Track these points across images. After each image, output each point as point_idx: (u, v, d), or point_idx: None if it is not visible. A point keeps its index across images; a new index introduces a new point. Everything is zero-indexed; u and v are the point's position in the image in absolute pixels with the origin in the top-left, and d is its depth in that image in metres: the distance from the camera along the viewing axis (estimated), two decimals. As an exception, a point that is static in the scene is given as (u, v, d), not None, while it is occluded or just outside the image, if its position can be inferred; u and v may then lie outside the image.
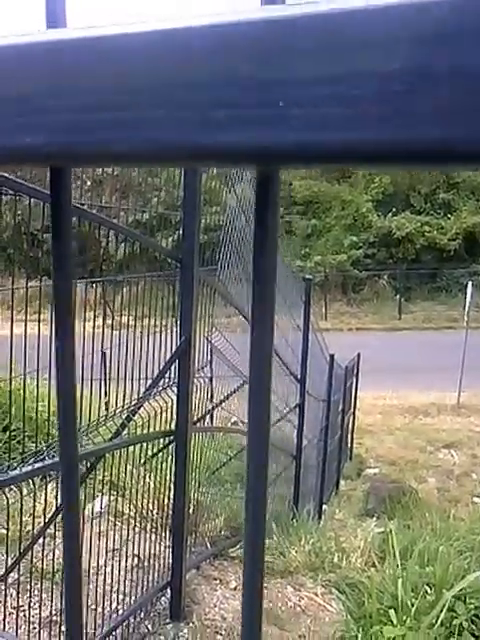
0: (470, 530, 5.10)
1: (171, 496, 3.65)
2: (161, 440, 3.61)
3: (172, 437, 3.46)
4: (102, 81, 0.26)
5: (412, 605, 2.83)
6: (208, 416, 4.62)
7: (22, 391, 2.94)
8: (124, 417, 3.20)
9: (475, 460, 11.45)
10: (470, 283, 15.53)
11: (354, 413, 12.65)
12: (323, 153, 0.25)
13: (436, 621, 2.66)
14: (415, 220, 25.90)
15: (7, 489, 2.76)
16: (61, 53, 0.27)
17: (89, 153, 0.28)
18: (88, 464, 3.27)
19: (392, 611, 2.81)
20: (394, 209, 26.14)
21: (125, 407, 3.21)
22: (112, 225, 3.09)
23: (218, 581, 3.96)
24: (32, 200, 2.43)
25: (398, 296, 25.01)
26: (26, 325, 2.46)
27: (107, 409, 3.30)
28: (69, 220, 0.35)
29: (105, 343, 3.31)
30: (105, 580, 3.31)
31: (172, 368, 3.33)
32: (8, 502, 2.68)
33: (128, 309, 3.49)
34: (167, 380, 3.35)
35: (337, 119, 0.24)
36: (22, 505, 3.05)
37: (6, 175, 2.30)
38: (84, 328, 2.88)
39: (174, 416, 3.44)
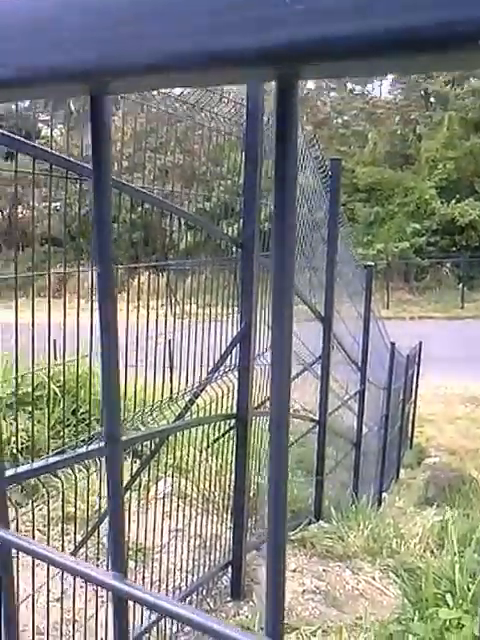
0: None
1: (233, 479, 3.74)
2: (223, 424, 3.69)
3: (234, 421, 3.55)
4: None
5: (469, 590, 2.86)
6: (268, 401, 4.69)
7: (90, 375, 3.05)
8: (187, 400, 3.30)
9: None
10: None
11: (415, 402, 12.54)
12: (336, 48, 0.24)
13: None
14: (479, 207, 25.35)
15: (76, 468, 2.88)
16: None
17: (121, 70, 0.28)
18: (152, 445, 3.38)
19: (449, 595, 2.85)
20: (458, 196, 25.62)
21: (188, 391, 3.30)
22: (176, 210, 3.16)
23: (278, 562, 4.04)
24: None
25: (461, 284, 24.57)
26: (92, 311, 2.54)
27: (171, 394, 3.39)
28: (108, 154, 0.34)
29: (170, 330, 3.40)
30: (168, 558, 3.41)
31: (234, 353, 3.41)
32: (76, 480, 2.78)
33: (191, 297, 3.57)
34: (229, 365, 3.43)
35: (345, 11, 0.23)
36: (89, 483, 3.19)
37: (85, 164, 2.39)
38: (147, 316, 2.95)
39: (236, 400, 3.52)
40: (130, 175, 3.18)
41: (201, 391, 3.30)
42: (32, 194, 2.44)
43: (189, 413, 3.32)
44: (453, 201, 25.46)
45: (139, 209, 3.41)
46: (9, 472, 2.19)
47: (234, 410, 3.54)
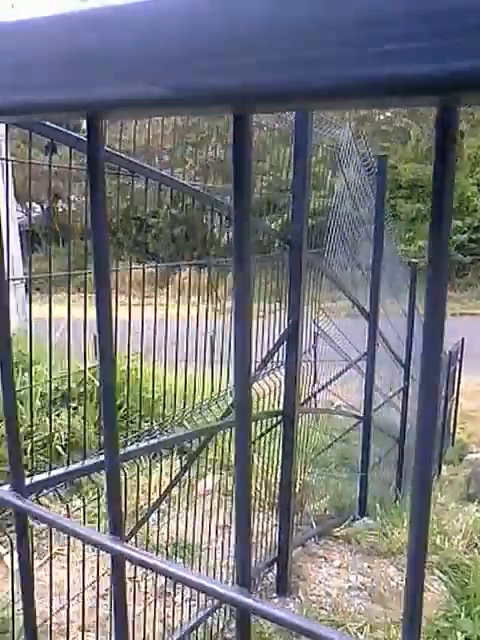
0: None
1: (278, 476, 3.75)
2: (268, 421, 3.71)
3: (280, 417, 3.56)
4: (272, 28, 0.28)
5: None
6: (312, 398, 4.70)
7: (136, 372, 3.07)
8: (233, 398, 3.31)
9: None
10: None
11: (457, 398, 12.40)
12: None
13: None
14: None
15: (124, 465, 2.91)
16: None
17: (269, 94, 0.29)
18: (199, 442, 3.40)
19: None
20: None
21: (233, 388, 3.31)
22: (221, 205, 3.15)
23: (323, 559, 4.05)
24: (140, 183, 2.48)
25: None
26: (130, 308, 2.53)
27: (211, 391, 3.40)
28: (249, 169, 0.34)
29: (211, 327, 3.39)
30: (215, 555, 3.44)
31: (280, 350, 3.42)
32: (126, 476, 2.81)
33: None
34: (275, 362, 3.44)
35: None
36: (139, 480, 3.22)
37: (124, 156, 2.39)
38: (188, 312, 2.96)
39: (281, 397, 3.54)
40: (171, 171, 3.18)
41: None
42: (68, 187, 2.39)
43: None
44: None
45: (180, 205, 3.40)
46: (59, 471, 2.21)
47: (280, 407, 3.55)
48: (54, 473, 2.14)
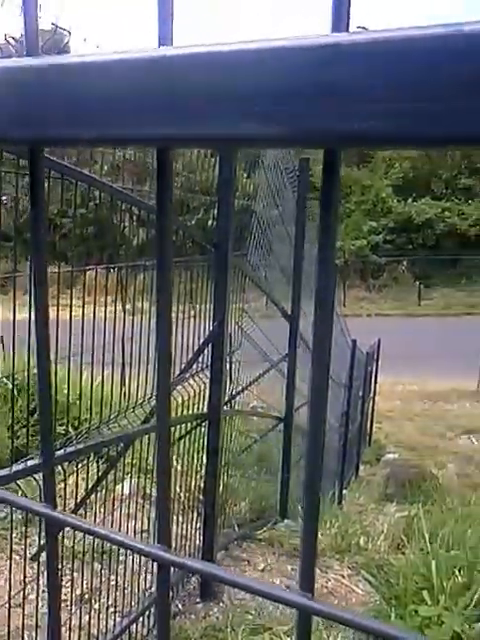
0: (493, 515, 5.13)
1: (199, 479, 3.70)
2: (191, 424, 3.65)
3: (202, 420, 3.51)
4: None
5: (444, 586, 2.87)
6: (232, 400, 4.67)
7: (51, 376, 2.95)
8: (152, 403, 3.23)
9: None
10: (491, 269, 15.45)
11: (374, 399, 12.66)
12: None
13: (471, 602, 2.70)
14: (435, 206, 25.74)
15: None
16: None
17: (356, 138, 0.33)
18: (118, 448, 3.31)
19: (425, 592, 2.85)
20: (414, 194, 25.99)
21: (152, 394, 3.23)
22: (146, 206, 3.08)
23: (247, 562, 4.02)
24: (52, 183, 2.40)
25: (417, 282, 24.91)
26: (31, 310, 2.44)
27: (129, 396, 3.30)
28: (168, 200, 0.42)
29: (124, 329, 3.28)
30: (135, 560, 3.36)
31: (205, 352, 3.36)
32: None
33: (143, 295, 3.49)
34: (200, 364, 3.38)
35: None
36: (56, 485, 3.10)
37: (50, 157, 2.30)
38: (95, 313, 2.87)
39: (204, 400, 3.48)
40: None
41: (171, 391, 3.24)
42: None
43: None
44: (409, 200, 25.81)
45: (89, 204, 3.31)
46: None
47: (201, 410, 3.50)
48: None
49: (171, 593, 3.55)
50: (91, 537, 3.52)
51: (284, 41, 0.34)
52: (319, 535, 4.36)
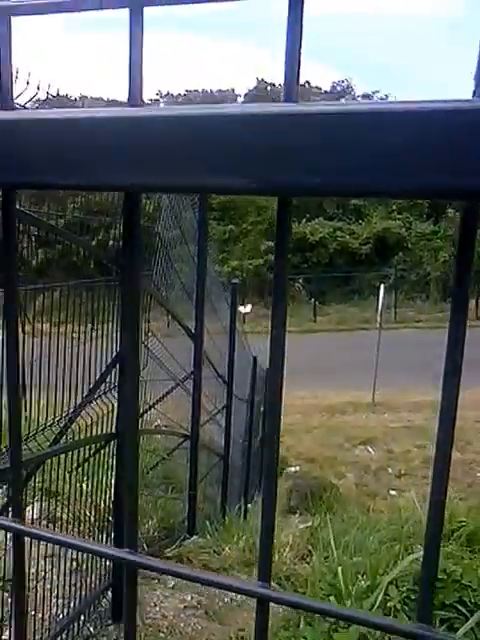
0: (390, 521, 5.33)
1: (107, 499, 3.69)
2: (100, 445, 3.64)
3: (107, 440, 3.51)
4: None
5: (350, 591, 2.99)
6: (140, 419, 4.67)
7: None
8: (62, 424, 3.22)
9: (390, 455, 11.86)
10: (382, 286, 16.04)
11: (275, 414, 12.85)
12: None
13: (375, 604, 2.83)
14: (328, 225, 26.52)
15: None
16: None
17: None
18: (26, 472, 3.27)
19: (332, 597, 2.96)
20: (308, 215, 26.68)
21: (63, 414, 3.22)
22: (50, 227, 3.09)
23: (157, 581, 4.02)
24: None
25: (313, 299, 25.52)
26: None
27: (29, 417, 3.24)
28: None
29: (25, 352, 3.24)
30: (44, 586, 3.31)
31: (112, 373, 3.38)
32: None
33: (44, 316, 3.47)
34: (107, 384, 3.40)
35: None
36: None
37: None
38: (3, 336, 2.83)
39: (113, 420, 3.48)
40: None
41: (79, 414, 3.24)
42: None
43: (65, 437, 3.24)
44: (303, 220, 26.45)
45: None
46: None
47: (108, 430, 3.50)
48: None
49: (83, 617, 3.52)
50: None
51: (239, 108, 0.41)
52: (226, 549, 4.43)
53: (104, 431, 3.52)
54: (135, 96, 0.46)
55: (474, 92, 0.39)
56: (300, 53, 0.43)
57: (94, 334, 3.49)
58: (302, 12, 0.42)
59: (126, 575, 0.56)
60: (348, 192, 0.41)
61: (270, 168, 0.40)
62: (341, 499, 9.10)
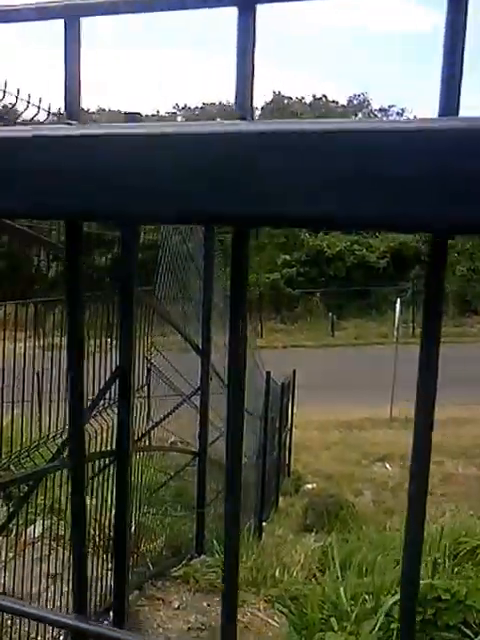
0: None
1: (111, 518, 3.62)
2: (101, 461, 3.59)
3: (112, 457, 3.45)
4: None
5: (352, 612, 2.89)
6: (147, 436, 4.62)
7: None
8: (63, 439, 3.17)
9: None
10: (399, 300, 15.92)
11: (291, 429, 12.75)
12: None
13: (375, 626, 2.74)
14: (345, 239, 26.43)
15: None
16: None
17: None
18: (27, 487, 3.23)
19: (333, 619, 2.87)
20: (324, 228, 26.68)
21: (64, 429, 3.18)
22: (45, 242, 3.08)
23: (161, 601, 3.94)
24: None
25: (330, 313, 25.40)
26: None
27: (40, 431, 3.24)
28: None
29: (38, 364, 3.24)
30: (46, 606, 3.26)
31: (112, 388, 3.33)
32: None
33: (61, 330, 3.46)
34: (107, 400, 3.35)
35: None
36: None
37: None
38: (15, 349, 2.85)
39: (113, 436, 3.42)
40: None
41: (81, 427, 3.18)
42: None
43: (66, 452, 3.19)
44: (320, 233, 26.41)
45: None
46: None
47: (112, 447, 3.44)
48: None
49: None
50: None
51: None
52: (235, 569, 4.35)
53: (109, 448, 3.47)
54: (73, 110, 0.43)
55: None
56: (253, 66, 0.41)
57: (110, 347, 3.47)
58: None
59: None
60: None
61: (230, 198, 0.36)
62: (358, 517, 8.96)
